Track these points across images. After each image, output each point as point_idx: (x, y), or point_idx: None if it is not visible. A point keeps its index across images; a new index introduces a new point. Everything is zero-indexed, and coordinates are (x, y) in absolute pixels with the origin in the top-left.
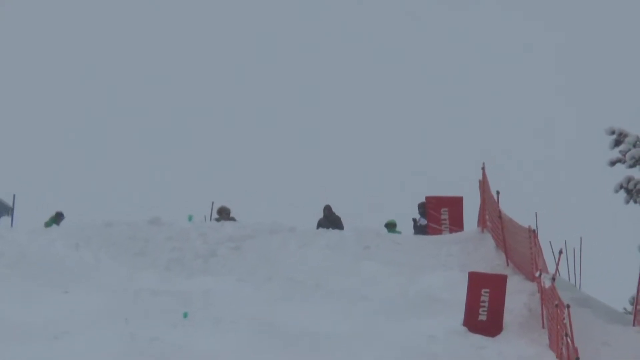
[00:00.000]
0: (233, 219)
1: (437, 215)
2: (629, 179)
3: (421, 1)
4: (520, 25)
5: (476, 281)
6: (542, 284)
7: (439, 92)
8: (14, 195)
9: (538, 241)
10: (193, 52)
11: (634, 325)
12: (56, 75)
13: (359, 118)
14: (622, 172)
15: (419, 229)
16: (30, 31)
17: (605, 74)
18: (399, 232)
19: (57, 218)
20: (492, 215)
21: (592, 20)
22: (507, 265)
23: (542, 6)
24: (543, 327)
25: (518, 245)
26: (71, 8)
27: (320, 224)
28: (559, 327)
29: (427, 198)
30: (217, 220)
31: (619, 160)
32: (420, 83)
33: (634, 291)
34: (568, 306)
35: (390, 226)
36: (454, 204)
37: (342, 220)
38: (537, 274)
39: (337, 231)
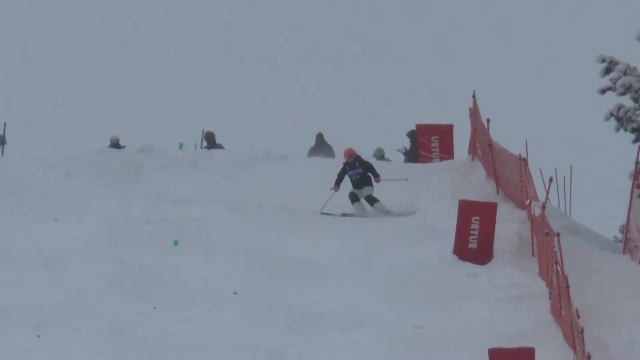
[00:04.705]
0: (220, 145)
1: (428, 143)
2: (620, 107)
3: None
4: None
5: (466, 209)
6: (533, 212)
7: (426, 18)
8: (5, 124)
9: (528, 169)
10: None
11: (624, 253)
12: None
13: (346, 45)
14: (612, 99)
15: (409, 156)
16: None
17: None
18: (389, 160)
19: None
20: (482, 143)
21: None
22: (498, 193)
23: None
24: (533, 255)
25: (508, 173)
26: None
27: (312, 152)
28: (549, 255)
29: (417, 126)
30: (207, 148)
31: (609, 88)
32: (411, 11)
33: (624, 219)
34: (558, 234)
35: (379, 154)
36: (445, 132)
37: (333, 149)
38: (527, 202)
39: (328, 159)
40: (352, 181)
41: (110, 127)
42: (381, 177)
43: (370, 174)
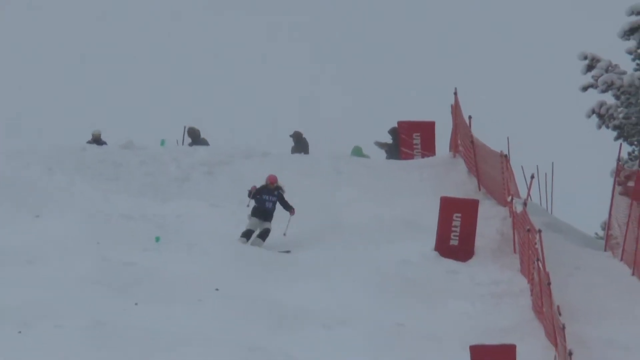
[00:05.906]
0: (205, 140)
1: (409, 139)
2: (601, 104)
3: None
4: None
5: (448, 206)
6: (514, 209)
7: (408, 16)
8: None
9: (510, 166)
10: None
11: (605, 250)
12: None
13: (329, 42)
14: (594, 97)
15: (390, 152)
16: None
17: None
18: (367, 157)
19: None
20: (464, 140)
21: None
22: (479, 190)
23: None
24: (515, 251)
25: (490, 170)
26: None
27: (294, 151)
28: (530, 251)
29: (399, 123)
30: (190, 144)
31: (591, 86)
32: (392, 10)
33: (605, 216)
34: (539, 231)
35: (357, 153)
36: (426, 129)
37: (308, 144)
38: (509, 199)
39: (310, 156)
40: (262, 207)
41: (92, 121)
42: (292, 211)
43: (282, 206)
